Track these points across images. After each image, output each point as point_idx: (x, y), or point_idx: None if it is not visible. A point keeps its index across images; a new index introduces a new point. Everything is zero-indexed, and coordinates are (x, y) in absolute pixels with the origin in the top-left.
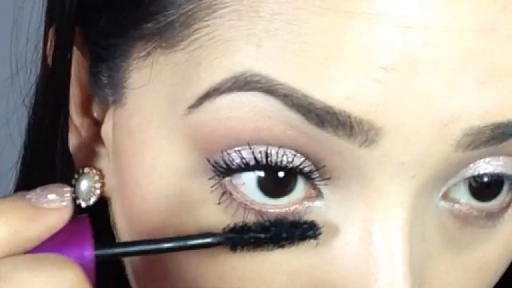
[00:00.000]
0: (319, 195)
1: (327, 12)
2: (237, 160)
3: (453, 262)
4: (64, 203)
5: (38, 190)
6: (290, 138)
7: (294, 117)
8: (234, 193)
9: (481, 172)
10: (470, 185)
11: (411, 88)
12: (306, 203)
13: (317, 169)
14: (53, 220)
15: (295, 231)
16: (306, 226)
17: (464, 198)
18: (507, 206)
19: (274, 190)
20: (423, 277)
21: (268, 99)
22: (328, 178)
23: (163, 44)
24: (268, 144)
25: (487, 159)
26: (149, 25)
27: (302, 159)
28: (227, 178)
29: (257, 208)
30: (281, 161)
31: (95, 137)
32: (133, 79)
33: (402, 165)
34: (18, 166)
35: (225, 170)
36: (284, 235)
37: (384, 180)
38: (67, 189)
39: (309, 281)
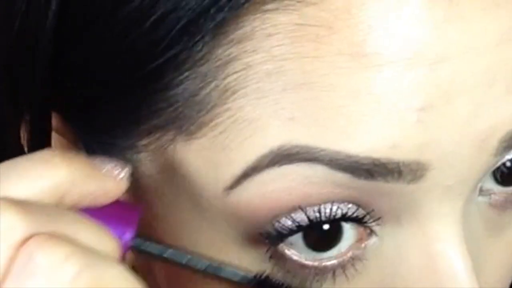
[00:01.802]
0: (371, 233)
1: (355, 71)
2: (289, 223)
3: (495, 244)
4: (121, 176)
5: (102, 157)
6: (339, 195)
7: (341, 177)
8: (288, 255)
9: (504, 160)
10: (493, 174)
11: (449, 118)
12: (362, 245)
13: (368, 213)
14: (110, 185)
15: None
16: None
17: (495, 187)
18: None
19: (322, 243)
20: (479, 272)
21: (312, 166)
22: (379, 219)
23: (181, 134)
24: (317, 204)
25: None
26: (159, 120)
27: (355, 208)
28: (280, 245)
29: (315, 264)
30: (335, 214)
31: None
32: (146, 168)
33: (449, 187)
34: None
35: (277, 238)
36: None
37: (433, 205)
38: (128, 168)
39: None
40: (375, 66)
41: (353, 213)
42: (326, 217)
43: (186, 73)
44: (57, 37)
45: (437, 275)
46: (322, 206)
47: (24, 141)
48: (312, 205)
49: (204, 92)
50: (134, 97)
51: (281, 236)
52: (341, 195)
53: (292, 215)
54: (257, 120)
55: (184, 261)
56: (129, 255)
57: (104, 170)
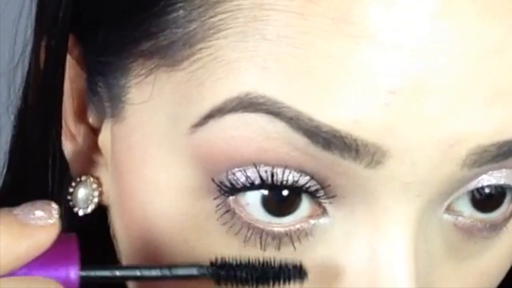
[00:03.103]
0: (324, 212)
1: (334, 36)
2: (242, 179)
3: (456, 271)
4: (51, 221)
5: (25, 206)
6: (295, 159)
7: (300, 139)
8: (238, 212)
9: (485, 184)
10: (472, 197)
11: (418, 111)
12: (312, 221)
13: (322, 188)
14: (41, 237)
15: (281, 274)
16: (293, 268)
17: (467, 210)
18: (510, 216)
19: (278, 209)
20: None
21: (273, 121)
22: (333, 196)
23: (165, 63)
24: (273, 164)
25: (490, 172)
26: (150, 43)
27: (307, 178)
28: (232, 198)
29: (261, 226)
30: (287, 180)
31: (92, 146)
32: (133, 95)
33: (408, 185)
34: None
35: (230, 190)
36: (271, 275)
37: (389, 199)
38: (55, 206)
39: None
40: (355, 38)
41: (306, 183)
42: (277, 180)
43: (181, 3)
44: None
45: (378, 272)
46: (275, 169)
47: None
48: (266, 163)
49: (192, 25)
50: (130, 19)
51: (234, 189)
52: (297, 160)
53: (246, 170)
54: (233, 62)
55: (138, 274)
56: None
57: (32, 221)
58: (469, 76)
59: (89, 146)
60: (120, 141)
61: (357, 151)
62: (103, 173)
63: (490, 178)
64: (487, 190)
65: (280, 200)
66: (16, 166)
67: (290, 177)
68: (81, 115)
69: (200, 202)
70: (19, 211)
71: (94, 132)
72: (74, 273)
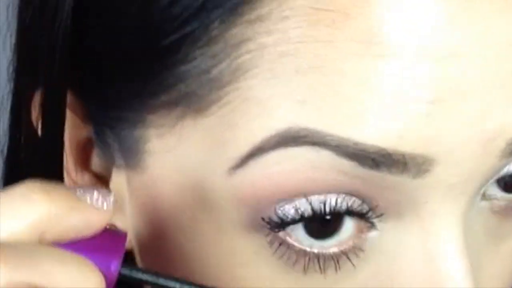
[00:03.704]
0: (372, 226)
1: (363, 59)
2: (292, 212)
3: (495, 254)
4: (106, 207)
5: (86, 187)
6: (343, 183)
7: (347, 164)
8: (291, 242)
9: (511, 167)
10: (498, 180)
11: (457, 115)
12: (362, 236)
13: (371, 209)
14: (93, 218)
15: None
16: None
17: (498, 193)
18: None
19: (321, 232)
20: (477, 278)
21: (318, 151)
22: (381, 215)
23: (190, 111)
24: (321, 192)
25: None
26: (171, 94)
27: (359, 202)
28: (282, 232)
29: (316, 251)
30: (340, 207)
31: None
32: (154, 145)
33: (452, 186)
34: None
35: (280, 224)
36: None
37: (436, 203)
38: (113, 198)
39: None
40: (387, 56)
41: (357, 207)
42: (330, 209)
43: (200, 50)
44: (76, 13)
45: (435, 274)
46: (328, 198)
47: (35, 116)
48: (315, 192)
49: (216, 69)
50: (147, 71)
51: (283, 223)
52: (345, 184)
53: (296, 203)
54: (266, 100)
55: (177, 287)
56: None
57: (87, 202)
58: (498, 70)
59: None
60: (143, 190)
61: (405, 164)
62: (119, 220)
63: None
64: None
65: (324, 222)
66: None
67: (344, 204)
68: (83, 164)
69: (248, 240)
70: (79, 188)
71: (100, 178)
72: (115, 267)
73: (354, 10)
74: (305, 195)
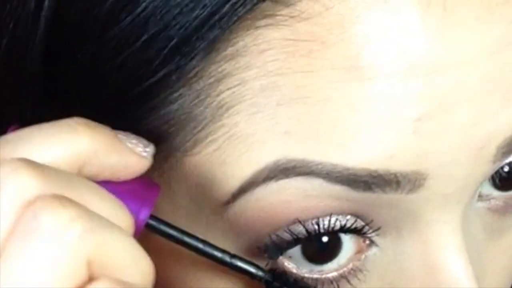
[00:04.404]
0: (371, 244)
1: (348, 85)
2: (286, 236)
3: (496, 248)
4: (145, 154)
5: (129, 133)
6: (337, 208)
7: (339, 190)
8: (289, 268)
9: (502, 164)
10: (492, 179)
11: (446, 128)
12: (362, 256)
13: (367, 224)
14: (131, 160)
15: None
16: None
17: (494, 192)
18: None
19: (320, 256)
20: (480, 278)
21: (309, 180)
22: (378, 229)
23: (175, 152)
24: (315, 216)
25: None
26: (153, 138)
27: (354, 219)
28: (280, 258)
29: (315, 276)
30: (334, 226)
31: None
32: None
33: (447, 196)
34: None
35: (275, 251)
36: None
37: (433, 214)
38: (152, 146)
39: None
40: (370, 79)
41: (352, 225)
42: (324, 229)
43: (179, 91)
44: (46, 59)
45: (438, 284)
46: (320, 219)
47: None
48: (310, 218)
49: (198, 109)
50: (127, 116)
51: (280, 249)
52: (339, 208)
53: (290, 228)
54: (252, 135)
55: (198, 247)
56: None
57: (127, 145)
58: (483, 79)
59: None
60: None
61: (397, 183)
62: None
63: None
64: (505, 169)
65: (321, 245)
66: None
67: (338, 223)
68: None
69: None
70: (123, 132)
71: None
72: (143, 216)
73: (330, 38)
74: (300, 221)
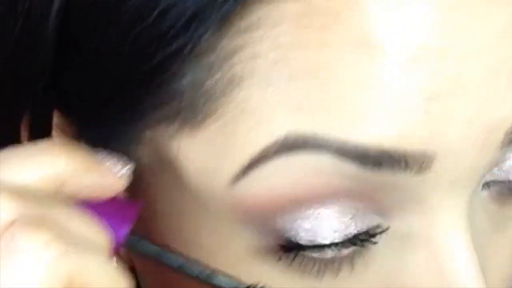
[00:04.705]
0: (377, 225)
1: (359, 61)
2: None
3: (500, 240)
4: (123, 173)
5: (106, 152)
6: (346, 187)
7: (349, 167)
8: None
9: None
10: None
11: (455, 111)
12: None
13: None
14: (109, 180)
15: None
16: None
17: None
18: None
19: None
20: (483, 268)
21: (319, 156)
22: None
23: (186, 125)
24: (323, 197)
25: None
26: (164, 110)
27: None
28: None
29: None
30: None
31: None
32: (149, 162)
33: (454, 181)
34: None
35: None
36: None
37: (438, 198)
38: (131, 165)
39: None
40: (381, 56)
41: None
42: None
43: (192, 64)
44: (60, 35)
45: (443, 267)
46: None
47: (24, 139)
48: (319, 198)
49: (209, 82)
50: (139, 90)
51: (299, 247)
52: (348, 188)
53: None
54: (263, 109)
55: (176, 265)
56: (126, 256)
57: (105, 165)
58: (492, 64)
59: None
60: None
61: (406, 162)
62: None
63: None
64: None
65: None
66: None
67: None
68: None
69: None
70: (101, 152)
71: None
72: (123, 232)
73: (345, 13)
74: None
